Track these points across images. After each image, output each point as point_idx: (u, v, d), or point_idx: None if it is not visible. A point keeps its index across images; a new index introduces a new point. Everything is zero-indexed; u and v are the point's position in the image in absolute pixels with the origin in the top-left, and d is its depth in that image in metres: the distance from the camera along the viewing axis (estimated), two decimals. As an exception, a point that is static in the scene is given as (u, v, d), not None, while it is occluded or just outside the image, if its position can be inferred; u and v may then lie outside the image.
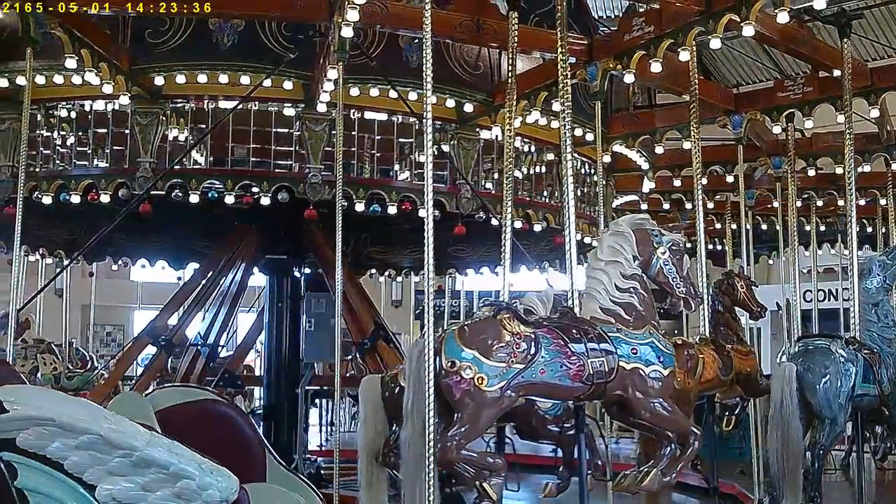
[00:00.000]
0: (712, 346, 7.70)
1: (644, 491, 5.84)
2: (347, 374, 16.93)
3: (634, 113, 10.36)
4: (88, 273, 16.32)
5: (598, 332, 5.41)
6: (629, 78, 7.84)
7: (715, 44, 7.20)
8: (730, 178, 11.74)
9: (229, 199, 9.16)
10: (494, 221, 10.12)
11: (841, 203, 13.40)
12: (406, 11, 7.27)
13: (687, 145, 10.29)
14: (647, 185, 13.17)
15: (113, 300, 16.13)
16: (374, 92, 8.89)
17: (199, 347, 12.52)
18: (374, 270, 15.75)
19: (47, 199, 9.34)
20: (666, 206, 13.81)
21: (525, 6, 8.34)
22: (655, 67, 7.69)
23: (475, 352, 5.12)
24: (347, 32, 7.01)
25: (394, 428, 6.60)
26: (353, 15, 6.70)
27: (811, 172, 11.35)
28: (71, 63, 7.70)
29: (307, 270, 11.95)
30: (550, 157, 11.08)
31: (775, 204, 12.95)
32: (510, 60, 7.53)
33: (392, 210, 9.55)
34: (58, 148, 9.54)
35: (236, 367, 13.37)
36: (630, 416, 5.60)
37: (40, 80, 8.99)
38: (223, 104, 9.20)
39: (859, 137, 10.89)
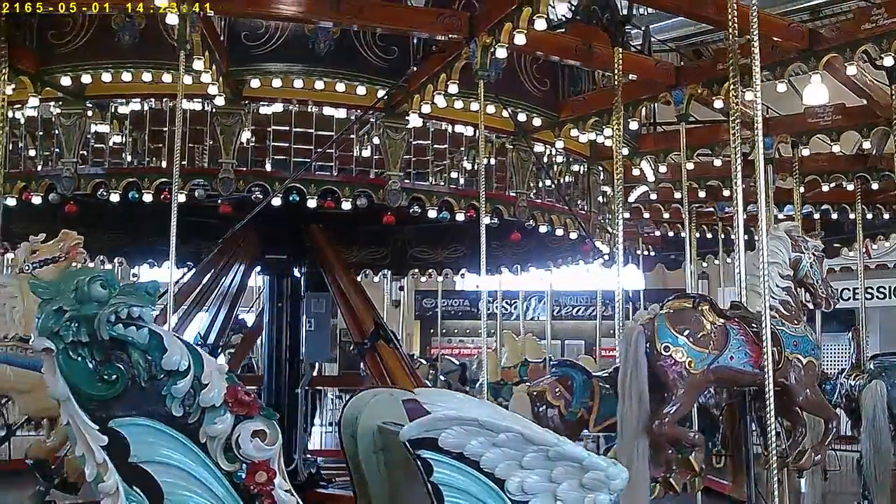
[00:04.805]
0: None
1: (800, 469, 6.67)
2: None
3: (666, 131, 11.15)
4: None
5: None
6: (718, 104, 8.57)
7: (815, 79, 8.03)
8: (726, 192, 12.75)
9: (311, 203, 9.24)
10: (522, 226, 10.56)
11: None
12: (538, 35, 7.64)
13: (717, 162, 11.24)
14: (634, 195, 14.14)
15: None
16: (459, 104, 9.18)
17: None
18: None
19: (115, 197, 9.13)
20: (646, 214, 14.78)
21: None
22: (749, 96, 8.44)
23: (685, 337, 5.80)
24: (502, 53, 7.34)
25: None
26: (520, 39, 7.02)
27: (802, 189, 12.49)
28: (199, 65, 7.66)
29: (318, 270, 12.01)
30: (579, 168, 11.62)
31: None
32: (616, 83, 8.25)
33: (460, 217, 9.88)
34: (127, 146, 9.30)
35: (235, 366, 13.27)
36: (787, 401, 6.38)
37: (107, 77, 8.86)
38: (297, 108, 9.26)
39: (853, 159, 12.21)
